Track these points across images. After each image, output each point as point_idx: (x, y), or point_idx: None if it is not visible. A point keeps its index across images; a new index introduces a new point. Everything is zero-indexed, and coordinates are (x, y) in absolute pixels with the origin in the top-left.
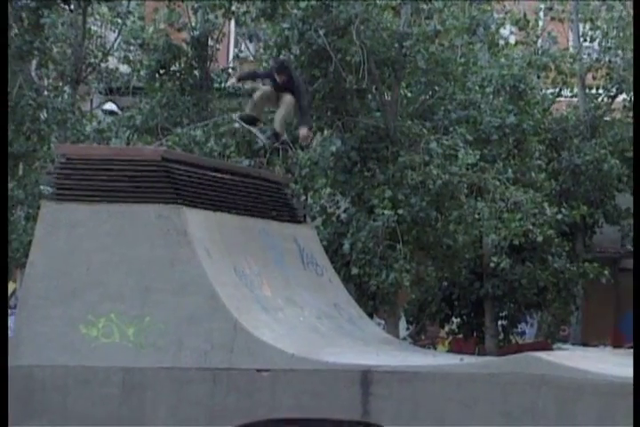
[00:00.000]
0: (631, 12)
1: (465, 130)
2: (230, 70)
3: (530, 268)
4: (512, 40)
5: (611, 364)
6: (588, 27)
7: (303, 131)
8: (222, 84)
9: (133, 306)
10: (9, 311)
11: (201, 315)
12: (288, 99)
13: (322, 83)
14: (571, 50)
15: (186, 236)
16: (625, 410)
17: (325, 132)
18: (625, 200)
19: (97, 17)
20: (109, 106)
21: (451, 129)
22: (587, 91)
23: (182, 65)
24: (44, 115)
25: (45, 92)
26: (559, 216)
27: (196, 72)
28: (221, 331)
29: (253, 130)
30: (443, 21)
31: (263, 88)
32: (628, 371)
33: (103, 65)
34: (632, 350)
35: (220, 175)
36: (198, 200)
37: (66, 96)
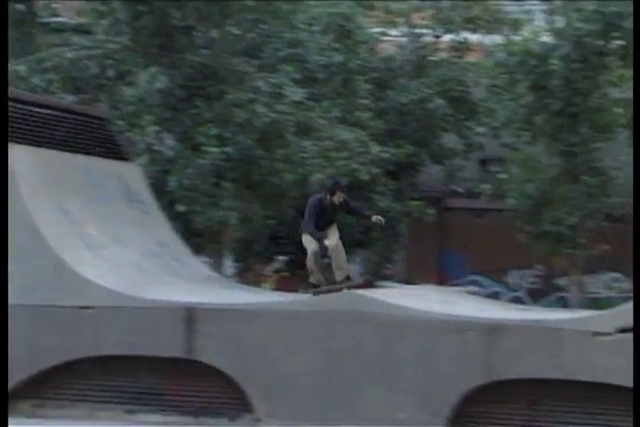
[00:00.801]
0: None
1: (292, 68)
2: (54, 5)
3: None
4: None
5: (433, 301)
6: None
7: (376, 217)
8: (47, 19)
9: None
10: None
11: (24, 252)
12: (333, 243)
13: (147, 19)
14: None
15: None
16: (445, 346)
17: (152, 68)
18: (449, 140)
19: None
20: None
21: (277, 67)
22: (413, 30)
23: None
24: None
25: None
26: (385, 155)
27: (20, 6)
28: (45, 268)
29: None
30: None
31: (311, 251)
32: (449, 308)
33: None
34: (455, 288)
35: (44, 111)
36: (22, 136)
37: None
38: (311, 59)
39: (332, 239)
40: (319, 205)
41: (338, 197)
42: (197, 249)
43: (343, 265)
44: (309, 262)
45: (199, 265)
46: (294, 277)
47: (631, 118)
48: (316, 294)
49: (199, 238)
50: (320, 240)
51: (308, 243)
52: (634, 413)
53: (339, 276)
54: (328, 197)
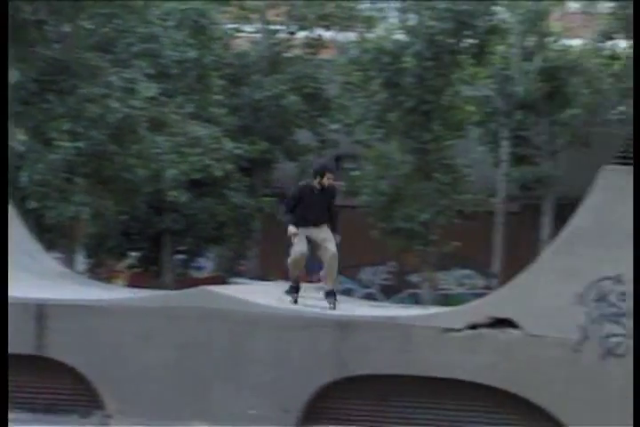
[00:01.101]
0: None
1: (145, 63)
2: None
3: (209, 202)
4: None
5: (284, 298)
6: None
7: (337, 236)
8: None
9: None
10: None
11: None
12: (330, 252)
13: None
14: None
15: None
16: (296, 342)
17: None
18: (303, 136)
19: None
20: None
21: (131, 62)
22: (268, 27)
23: None
24: None
25: None
26: (238, 151)
27: None
28: None
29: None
30: None
31: (297, 252)
32: (300, 305)
33: None
34: (313, 284)
35: None
36: None
37: None
38: (165, 54)
39: (331, 245)
40: (303, 190)
41: (327, 180)
42: (49, 245)
43: (334, 275)
44: (292, 264)
45: (51, 261)
46: (146, 273)
47: (483, 116)
48: (295, 302)
49: (51, 234)
50: (291, 223)
51: (297, 242)
52: (634, 413)
53: (328, 284)
54: (317, 180)
